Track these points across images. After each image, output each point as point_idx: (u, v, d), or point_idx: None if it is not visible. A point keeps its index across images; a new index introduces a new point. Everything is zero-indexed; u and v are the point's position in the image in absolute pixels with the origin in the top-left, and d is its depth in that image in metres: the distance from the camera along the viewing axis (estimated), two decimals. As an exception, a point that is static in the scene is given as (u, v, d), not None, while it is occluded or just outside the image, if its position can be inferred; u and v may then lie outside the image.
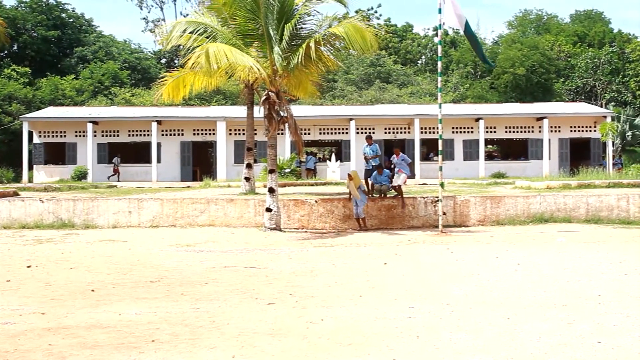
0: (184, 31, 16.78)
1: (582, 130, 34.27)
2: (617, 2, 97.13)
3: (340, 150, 34.53)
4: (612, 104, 47.28)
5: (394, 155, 16.61)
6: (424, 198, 16.19)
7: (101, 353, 5.48)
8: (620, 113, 38.64)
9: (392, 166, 16.78)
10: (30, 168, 32.87)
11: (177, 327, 6.30)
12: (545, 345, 5.50)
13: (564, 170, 30.92)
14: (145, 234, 14.82)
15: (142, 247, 12.66)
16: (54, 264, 10.41)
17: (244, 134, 24.63)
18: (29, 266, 10.18)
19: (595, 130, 33.41)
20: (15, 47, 47.70)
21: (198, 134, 33.93)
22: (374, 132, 32.02)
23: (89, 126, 32.34)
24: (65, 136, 33.57)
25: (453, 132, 33.73)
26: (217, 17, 16.96)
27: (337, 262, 10.43)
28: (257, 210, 15.85)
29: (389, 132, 34.15)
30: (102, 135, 33.62)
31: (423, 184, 23.85)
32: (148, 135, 32.97)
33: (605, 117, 33.30)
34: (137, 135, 33.81)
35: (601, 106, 45.39)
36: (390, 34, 57.63)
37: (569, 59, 55.11)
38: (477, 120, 33.34)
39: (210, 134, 33.66)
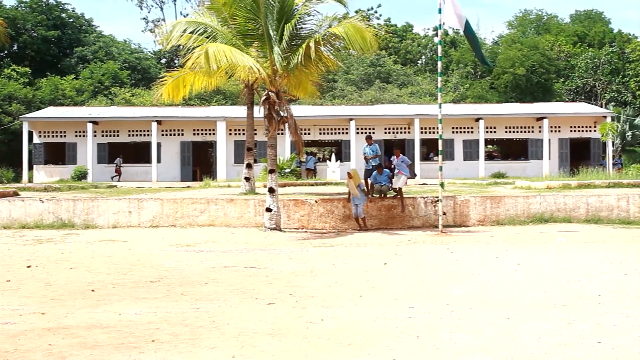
0: (184, 31, 16.78)
1: (582, 130, 34.28)
2: (617, 2, 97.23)
3: (340, 150, 34.54)
4: (612, 104, 47.29)
5: (394, 156, 16.60)
6: (424, 198, 16.19)
7: (101, 353, 5.48)
8: (620, 113, 38.66)
9: (392, 167, 16.78)
10: (30, 168, 32.88)
11: (177, 327, 6.30)
12: (545, 345, 5.50)
13: (564, 170, 30.94)
14: (145, 234, 14.82)
15: (142, 247, 12.66)
16: (54, 264, 10.41)
17: (244, 134, 24.63)
18: (29, 266, 10.17)
19: (595, 130, 33.42)
20: (15, 47, 47.72)
21: (198, 134, 33.94)
22: (374, 132, 32.03)
23: (89, 126, 32.35)
24: (65, 136, 33.58)
25: (453, 132, 33.74)
26: (217, 17, 16.95)
27: (337, 262, 10.42)
28: (257, 210, 15.85)
29: (389, 132, 34.15)
30: (102, 135, 33.63)
31: (423, 184, 23.85)
32: (148, 135, 32.98)
33: (605, 117, 33.31)
34: (137, 135, 33.82)
35: (601, 106, 45.40)
36: (390, 34, 57.62)
37: (569, 59, 55.11)
38: (477, 120, 33.35)
39: (210, 134, 33.67)
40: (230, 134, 33.13)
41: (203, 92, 32.98)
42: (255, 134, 20.64)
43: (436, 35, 47.13)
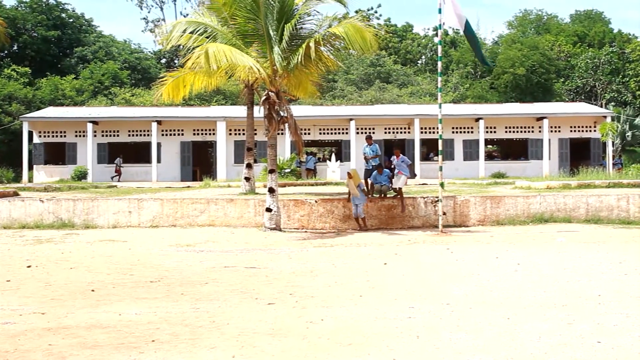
0: (184, 31, 16.78)
1: (582, 130, 34.28)
2: (617, 2, 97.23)
3: (340, 150, 34.54)
4: (612, 104, 47.29)
5: (394, 157, 16.60)
6: (424, 198, 16.19)
7: (101, 353, 5.48)
8: (620, 113, 38.66)
9: (392, 167, 16.77)
10: (30, 168, 32.88)
11: (177, 327, 6.30)
12: (545, 345, 5.50)
13: (564, 170, 30.93)
14: (145, 234, 14.82)
15: (142, 247, 12.66)
16: (54, 264, 10.41)
17: (244, 134, 24.63)
18: (29, 266, 10.17)
19: (595, 130, 33.42)
20: (15, 47, 47.72)
21: (198, 134, 33.94)
22: (374, 132, 32.03)
23: (89, 126, 32.36)
24: (65, 136, 33.58)
25: (453, 132, 33.74)
26: (217, 17, 16.96)
27: (337, 262, 10.42)
28: (257, 210, 15.85)
29: (389, 132, 34.15)
30: (102, 135, 33.63)
31: (423, 184, 23.85)
32: (148, 135, 32.98)
33: (605, 117, 33.31)
34: (137, 135, 33.82)
35: (601, 106, 45.40)
36: (390, 34, 57.62)
37: (569, 59, 55.11)
38: (477, 120, 33.34)
39: (210, 134, 33.67)
40: (230, 134, 33.13)
41: (203, 92, 32.98)
42: (255, 134, 20.64)
43: (436, 35, 47.13)
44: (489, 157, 36.71)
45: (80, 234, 14.91)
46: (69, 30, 51.37)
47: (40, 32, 48.32)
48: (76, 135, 33.35)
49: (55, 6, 50.74)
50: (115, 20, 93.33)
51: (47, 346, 5.68)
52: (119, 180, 31.45)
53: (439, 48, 15.47)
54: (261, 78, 15.35)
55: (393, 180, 16.02)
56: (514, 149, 37.07)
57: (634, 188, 18.29)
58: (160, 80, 18.47)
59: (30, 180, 31.69)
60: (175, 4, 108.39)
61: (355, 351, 5.45)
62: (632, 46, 53.82)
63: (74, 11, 53.20)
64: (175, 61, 51.99)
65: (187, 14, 51.24)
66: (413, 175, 24.95)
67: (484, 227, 15.61)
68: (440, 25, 14.75)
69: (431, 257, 10.92)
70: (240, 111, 25.83)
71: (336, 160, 32.25)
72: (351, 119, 32.79)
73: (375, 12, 60.97)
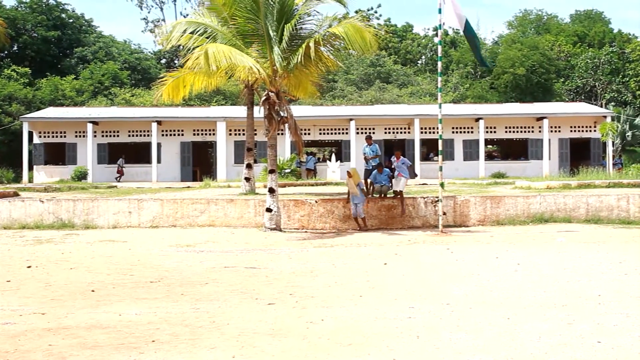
0: (184, 31, 16.79)
1: (582, 130, 34.28)
2: (617, 2, 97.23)
3: (340, 151, 34.53)
4: (612, 104, 47.29)
5: (394, 158, 16.58)
6: (424, 198, 16.18)
7: (101, 353, 5.48)
8: (620, 113, 38.65)
9: (392, 167, 16.76)
10: (30, 168, 32.89)
11: (177, 327, 6.30)
12: (545, 345, 5.50)
13: (564, 170, 30.93)
14: (145, 234, 14.82)
15: (142, 247, 12.66)
16: (54, 264, 10.41)
17: (244, 134, 24.63)
18: (29, 266, 10.18)
19: (595, 130, 33.42)
20: (15, 48, 47.73)
21: (198, 134, 33.94)
22: (374, 132, 32.02)
23: (89, 126, 32.36)
24: (65, 136, 33.58)
25: (453, 132, 33.74)
26: (217, 18, 16.96)
27: (337, 262, 10.42)
28: (257, 210, 15.85)
29: (389, 132, 34.15)
30: (102, 136, 33.63)
31: (423, 184, 23.85)
32: (148, 135, 32.98)
33: (605, 117, 33.31)
34: (137, 135, 33.82)
35: (601, 106, 45.40)
36: (390, 34, 57.60)
37: (569, 59, 55.11)
38: (477, 120, 33.34)
39: (210, 134, 33.67)
40: (230, 134, 33.14)
41: (203, 92, 32.99)
42: (255, 134, 20.64)
43: (436, 35, 47.15)
44: (489, 157, 36.70)
45: (80, 234, 14.91)
46: (69, 30, 51.38)
47: (40, 33, 48.32)
48: (76, 136, 33.35)
49: (55, 6, 50.75)
50: (115, 21, 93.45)
51: (47, 346, 5.68)
52: (119, 181, 31.46)
53: (439, 48, 15.47)
54: (261, 78, 15.35)
55: (393, 182, 16.00)
56: (514, 149, 37.07)
57: (634, 188, 18.29)
58: (160, 80, 18.47)
59: (30, 180, 31.70)
60: (175, 4, 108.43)
61: (355, 351, 5.45)
62: (632, 46, 53.82)
63: (74, 11, 53.25)
64: (175, 61, 51.99)
65: (187, 14, 51.33)
66: (414, 175, 24.93)
67: (484, 227, 15.61)
68: (440, 25, 14.75)
69: (431, 257, 10.92)
70: (240, 111, 25.82)
71: (336, 161, 32.24)
72: (351, 119, 32.79)
73: (375, 12, 61.02)
